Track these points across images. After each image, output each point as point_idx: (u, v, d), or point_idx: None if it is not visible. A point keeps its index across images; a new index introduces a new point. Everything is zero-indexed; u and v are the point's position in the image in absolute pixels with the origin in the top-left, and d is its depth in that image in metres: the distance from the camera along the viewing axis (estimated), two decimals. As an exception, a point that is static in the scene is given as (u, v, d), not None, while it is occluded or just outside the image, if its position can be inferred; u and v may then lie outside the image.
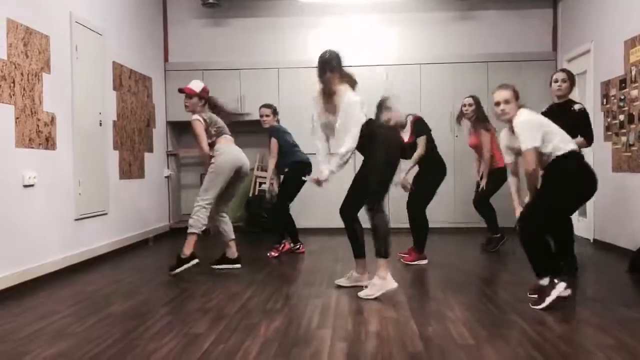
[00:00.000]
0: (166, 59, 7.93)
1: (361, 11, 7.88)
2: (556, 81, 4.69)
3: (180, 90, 4.96)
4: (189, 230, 4.80)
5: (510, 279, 4.55)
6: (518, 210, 3.78)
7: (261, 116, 5.86)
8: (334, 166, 4.05)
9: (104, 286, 4.47)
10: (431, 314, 3.50)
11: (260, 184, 7.91)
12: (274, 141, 5.76)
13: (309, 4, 7.83)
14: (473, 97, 5.89)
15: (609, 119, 6.02)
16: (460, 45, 7.76)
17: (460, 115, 6.00)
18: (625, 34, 5.65)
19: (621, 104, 5.73)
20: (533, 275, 4.29)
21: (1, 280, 4.09)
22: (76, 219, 5.24)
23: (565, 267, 4.45)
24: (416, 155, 5.21)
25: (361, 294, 3.90)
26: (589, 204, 6.52)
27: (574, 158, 3.64)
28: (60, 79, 5.03)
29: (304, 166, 5.68)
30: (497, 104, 3.69)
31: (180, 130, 8.14)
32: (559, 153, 3.61)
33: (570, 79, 4.71)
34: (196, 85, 4.94)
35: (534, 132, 3.57)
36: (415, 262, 5.21)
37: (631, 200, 5.52)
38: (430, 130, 5.35)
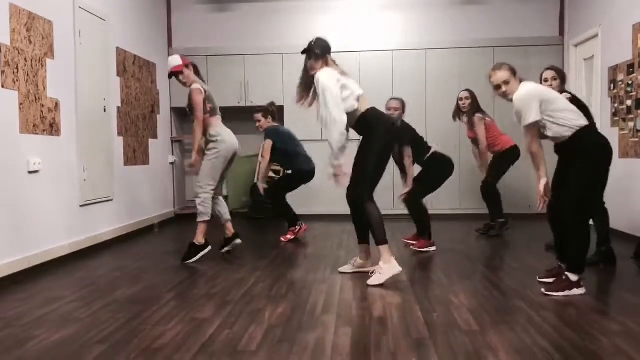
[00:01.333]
0: (170, 45, 7.89)
1: (366, -5, 7.81)
2: (546, 80, 4.52)
3: (171, 74, 4.85)
4: (200, 219, 4.80)
5: (515, 265, 4.54)
6: (541, 185, 3.60)
7: (255, 122, 5.87)
8: (332, 159, 3.97)
9: (109, 272, 4.49)
10: (436, 300, 3.50)
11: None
12: (267, 142, 5.72)
13: (314, -11, 7.76)
14: (469, 90, 5.94)
15: (616, 105, 5.96)
16: (466, 30, 7.68)
17: (457, 111, 6.02)
18: (633, 18, 5.58)
19: (629, 89, 5.67)
20: (539, 262, 4.29)
21: (7, 266, 4.11)
22: (81, 205, 5.25)
23: (600, 257, 4.43)
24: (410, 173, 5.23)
25: (370, 282, 3.87)
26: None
27: (590, 133, 3.58)
28: (64, 65, 5.02)
29: (309, 175, 5.80)
30: (498, 87, 3.60)
31: (185, 116, 8.13)
32: (572, 127, 3.51)
33: (560, 76, 4.55)
34: (176, 60, 4.81)
35: (531, 105, 3.46)
36: (425, 249, 5.20)
37: (638, 186, 5.48)
38: (412, 138, 5.29)
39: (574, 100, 4.50)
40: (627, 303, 3.40)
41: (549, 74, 4.56)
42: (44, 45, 4.68)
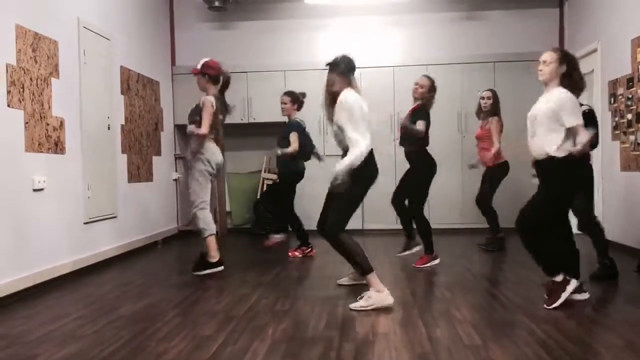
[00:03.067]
0: (173, 63, 7.97)
1: (367, 12, 7.88)
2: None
3: (193, 71, 5.02)
4: (204, 235, 4.83)
5: (517, 279, 4.54)
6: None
7: (281, 103, 5.91)
8: (339, 171, 3.63)
9: (114, 289, 4.50)
10: (439, 315, 3.51)
11: (268, 185, 7.94)
12: (294, 135, 5.74)
13: (315, 6, 7.84)
14: (492, 90, 5.93)
15: (616, 118, 5.99)
16: (467, 46, 7.75)
17: (479, 109, 6.02)
18: (632, 32, 5.62)
19: (629, 102, 5.70)
20: (540, 275, 4.27)
21: (12, 283, 4.13)
22: (85, 223, 5.28)
23: (604, 270, 4.42)
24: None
25: (353, 305, 3.69)
26: (598, 204, 6.49)
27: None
28: (69, 84, 5.08)
29: (298, 177, 5.86)
30: (544, 62, 3.66)
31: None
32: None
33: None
34: (199, 63, 4.96)
35: (578, 109, 3.54)
36: (427, 265, 5.14)
37: (639, 199, 5.49)
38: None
39: (593, 117, 4.40)
40: (630, 316, 3.39)
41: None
42: (49, 65, 4.74)
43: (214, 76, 4.95)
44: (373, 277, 3.73)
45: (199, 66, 4.95)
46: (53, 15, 4.85)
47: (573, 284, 3.58)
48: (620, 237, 5.79)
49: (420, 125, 5.11)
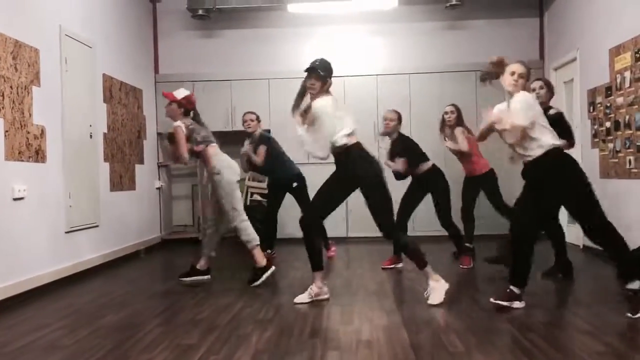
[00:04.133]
0: (156, 71, 7.94)
1: (350, 22, 7.93)
2: (534, 90, 4.61)
3: (164, 95, 5.03)
4: (250, 246, 4.86)
5: (502, 286, 4.56)
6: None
7: (246, 122, 6.09)
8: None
9: (95, 298, 4.46)
10: (422, 322, 3.52)
11: (252, 194, 7.91)
12: (262, 147, 5.98)
13: (299, 15, 7.87)
14: (454, 105, 5.95)
15: (595, 126, 6.08)
16: (449, 55, 7.82)
17: (442, 124, 5.98)
18: (610, 42, 5.72)
19: (607, 111, 5.79)
20: (532, 282, 4.32)
21: (-9, 294, 4.08)
22: (67, 232, 5.22)
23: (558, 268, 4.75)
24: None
25: (296, 299, 4.09)
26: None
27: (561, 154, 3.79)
28: (50, 92, 5.03)
29: (298, 179, 6.09)
30: (513, 73, 3.81)
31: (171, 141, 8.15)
32: (549, 146, 3.69)
33: (548, 86, 4.73)
34: (179, 93, 4.95)
35: (527, 112, 3.64)
36: (392, 266, 5.43)
37: (618, 206, 5.56)
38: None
39: (560, 119, 4.58)
40: (612, 323, 3.42)
41: (536, 84, 4.69)
42: (30, 73, 4.70)
43: (188, 110, 4.98)
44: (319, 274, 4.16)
45: (177, 96, 4.91)
46: (34, 23, 4.81)
47: (521, 304, 3.78)
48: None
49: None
